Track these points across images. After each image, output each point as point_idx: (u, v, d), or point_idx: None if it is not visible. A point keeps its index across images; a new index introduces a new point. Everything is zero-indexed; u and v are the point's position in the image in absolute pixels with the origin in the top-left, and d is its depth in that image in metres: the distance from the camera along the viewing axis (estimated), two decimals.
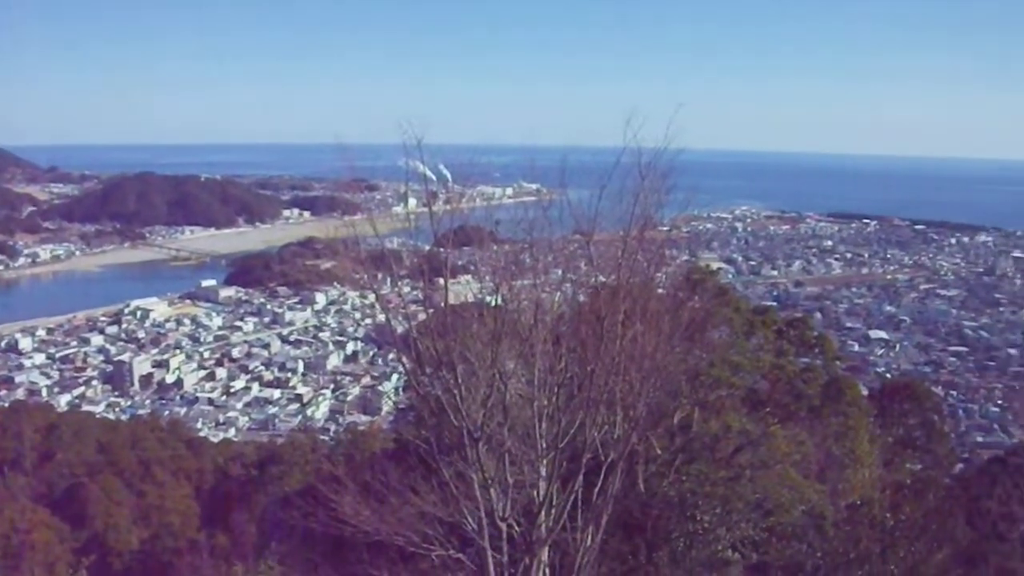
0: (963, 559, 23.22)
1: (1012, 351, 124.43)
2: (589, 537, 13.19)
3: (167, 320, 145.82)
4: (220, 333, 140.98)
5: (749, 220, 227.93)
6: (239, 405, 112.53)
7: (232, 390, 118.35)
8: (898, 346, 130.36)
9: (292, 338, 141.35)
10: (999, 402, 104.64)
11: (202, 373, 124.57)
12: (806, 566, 18.90)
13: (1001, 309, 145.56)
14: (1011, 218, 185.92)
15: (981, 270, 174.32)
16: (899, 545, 19.52)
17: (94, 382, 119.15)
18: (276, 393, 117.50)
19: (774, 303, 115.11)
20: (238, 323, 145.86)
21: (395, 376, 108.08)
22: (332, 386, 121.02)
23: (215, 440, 69.70)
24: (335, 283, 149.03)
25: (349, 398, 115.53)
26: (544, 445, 12.51)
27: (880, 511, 20.84)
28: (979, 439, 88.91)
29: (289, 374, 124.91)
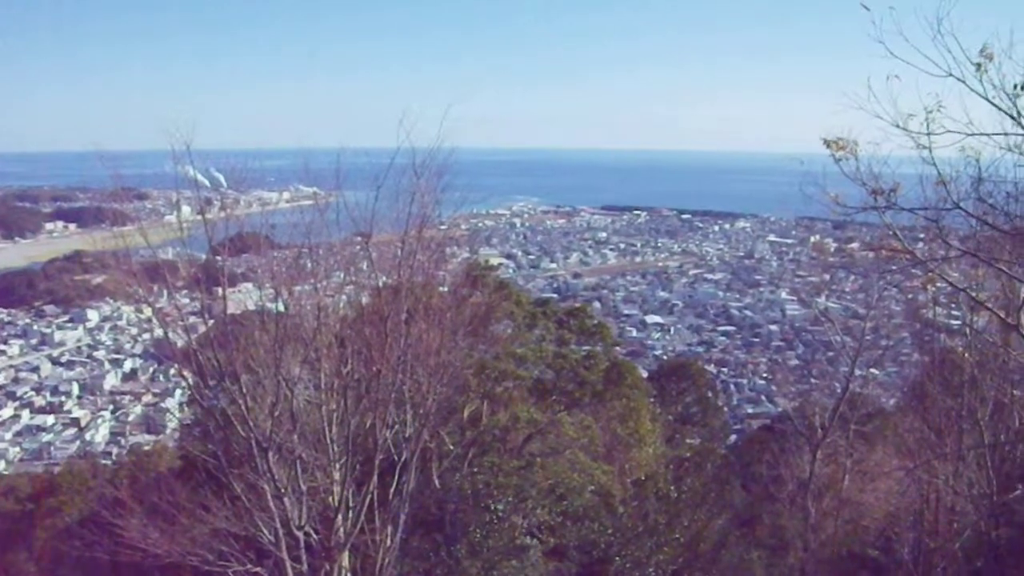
0: (741, 521, 24.93)
1: (773, 327, 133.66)
2: (388, 538, 13.29)
3: None
4: None
5: (527, 215, 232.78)
6: (8, 435, 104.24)
7: None
8: (672, 329, 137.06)
9: (64, 359, 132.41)
10: (764, 375, 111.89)
11: None
12: (600, 544, 19.69)
13: (761, 289, 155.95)
14: (765, 205, 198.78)
15: (742, 254, 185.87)
16: (683, 514, 20.74)
17: None
18: (50, 419, 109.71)
19: (554, 295, 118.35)
20: (1, 347, 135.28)
21: (178, 391, 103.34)
22: (111, 407, 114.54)
23: None
24: (108, 298, 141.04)
25: (131, 418, 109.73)
26: (336, 449, 12.49)
27: (664, 485, 22.05)
28: (749, 410, 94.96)
29: (63, 398, 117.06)
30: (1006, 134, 7.88)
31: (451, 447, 20.39)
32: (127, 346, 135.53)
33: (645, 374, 43.01)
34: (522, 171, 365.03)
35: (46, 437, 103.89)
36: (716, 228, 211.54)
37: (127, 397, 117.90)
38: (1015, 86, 7.57)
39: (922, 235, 9.89)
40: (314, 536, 12.56)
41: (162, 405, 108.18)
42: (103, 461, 59.39)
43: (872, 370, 27.08)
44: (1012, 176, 8.63)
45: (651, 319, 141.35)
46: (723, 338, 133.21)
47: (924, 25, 7.63)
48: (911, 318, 23.20)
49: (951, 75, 7.72)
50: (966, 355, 17.28)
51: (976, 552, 17.69)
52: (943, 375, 18.65)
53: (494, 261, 49.02)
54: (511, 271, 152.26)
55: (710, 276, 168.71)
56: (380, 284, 13.77)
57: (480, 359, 20.94)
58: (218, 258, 13.09)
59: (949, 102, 7.92)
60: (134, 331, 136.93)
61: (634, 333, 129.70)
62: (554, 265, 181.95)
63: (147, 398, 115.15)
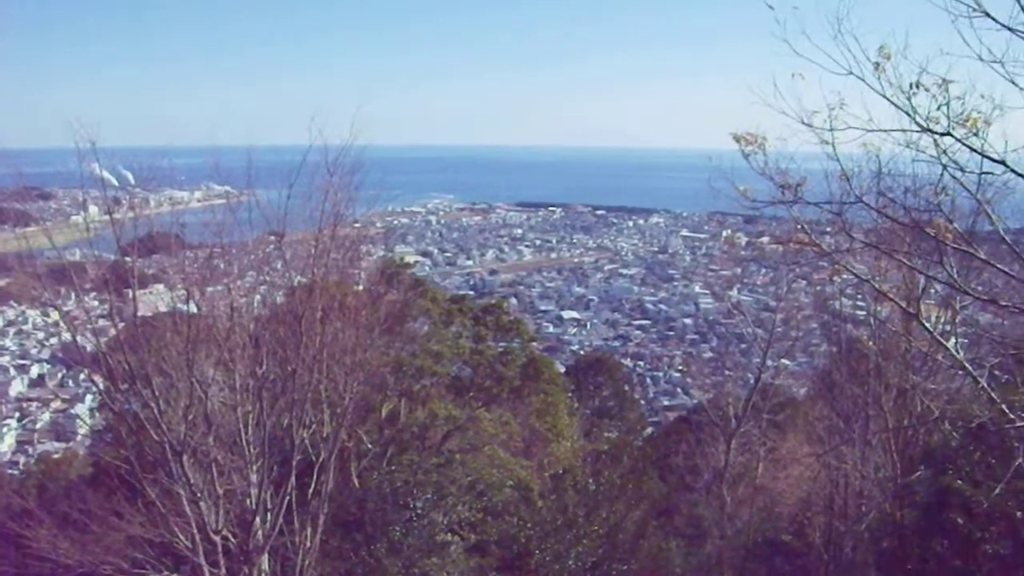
0: (658, 511, 25.32)
1: (687, 321, 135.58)
2: (308, 539, 13.19)
3: None
4: None
5: (442, 213, 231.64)
6: None
7: None
8: (589, 324, 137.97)
9: None
10: (680, 367, 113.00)
11: None
12: (520, 538, 19.80)
13: (675, 283, 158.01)
14: (679, 201, 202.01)
15: (656, 249, 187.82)
16: (602, 507, 20.97)
17: None
18: None
19: (471, 292, 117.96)
20: None
21: (89, 397, 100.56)
22: (17, 414, 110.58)
23: None
24: (11, 302, 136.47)
25: (39, 425, 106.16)
26: (252, 451, 12.35)
27: (583, 478, 22.24)
28: (665, 402, 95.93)
29: None
30: (904, 131, 8.12)
31: (369, 446, 20.29)
32: (33, 351, 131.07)
33: (562, 369, 43.23)
34: (437, 168, 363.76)
35: None
36: (630, 224, 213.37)
37: (34, 404, 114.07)
38: (911, 85, 7.81)
39: (828, 228, 10.12)
40: (232, 540, 12.41)
41: (72, 411, 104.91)
42: (9, 471, 57.47)
43: (783, 360, 27.81)
44: (910, 171, 8.93)
45: (567, 315, 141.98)
46: (638, 332, 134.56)
47: (826, 24, 7.83)
48: (819, 309, 23.89)
49: (852, 73, 7.93)
50: (871, 344, 17.86)
51: (882, 532, 18.33)
52: (850, 364, 19.25)
53: (410, 259, 48.88)
54: (427, 268, 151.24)
55: (625, 271, 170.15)
56: (294, 283, 13.66)
57: (397, 357, 20.88)
58: (127, 259, 12.81)
59: (851, 99, 8.13)
60: (40, 335, 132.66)
61: (551, 329, 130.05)
62: (470, 262, 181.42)
63: (56, 404, 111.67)
